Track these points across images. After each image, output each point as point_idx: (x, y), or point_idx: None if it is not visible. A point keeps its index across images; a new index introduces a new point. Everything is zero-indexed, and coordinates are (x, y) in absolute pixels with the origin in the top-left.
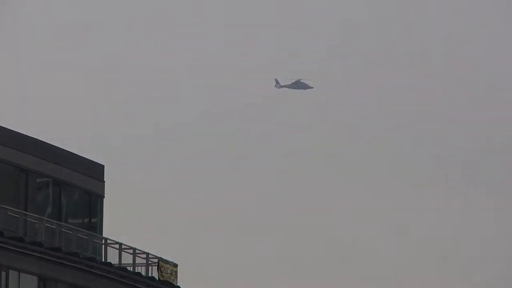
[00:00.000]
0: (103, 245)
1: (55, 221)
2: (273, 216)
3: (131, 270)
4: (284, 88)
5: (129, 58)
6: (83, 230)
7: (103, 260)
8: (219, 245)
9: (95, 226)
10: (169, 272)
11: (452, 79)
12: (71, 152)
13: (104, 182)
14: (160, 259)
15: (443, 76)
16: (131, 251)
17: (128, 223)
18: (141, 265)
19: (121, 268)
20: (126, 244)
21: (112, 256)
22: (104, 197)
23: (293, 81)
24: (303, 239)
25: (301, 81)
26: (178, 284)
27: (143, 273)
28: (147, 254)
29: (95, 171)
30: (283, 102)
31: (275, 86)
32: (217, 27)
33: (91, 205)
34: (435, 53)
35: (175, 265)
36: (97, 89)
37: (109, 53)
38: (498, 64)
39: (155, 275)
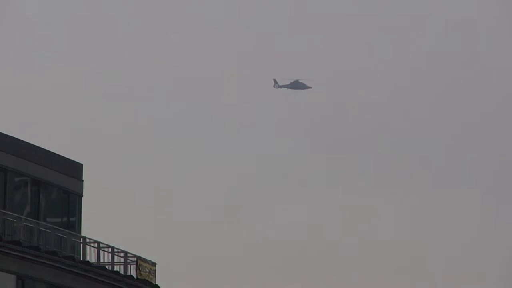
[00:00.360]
0: (81, 244)
1: (33, 220)
2: (252, 215)
3: (110, 268)
4: (282, 88)
5: (110, 56)
6: (61, 229)
7: (81, 259)
8: (198, 244)
9: (74, 225)
10: (147, 270)
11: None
12: (50, 151)
13: (82, 181)
14: (138, 257)
15: (442, 75)
16: (110, 250)
17: (106, 222)
18: (119, 263)
19: (100, 267)
20: (105, 243)
21: (90, 255)
22: (82, 196)
23: (291, 81)
24: (278, 239)
25: (300, 81)
26: (156, 283)
27: (122, 272)
28: (126, 253)
29: (74, 170)
30: (282, 102)
31: (274, 86)
32: (214, 26)
33: (69, 204)
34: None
35: (154, 264)
36: (76, 88)
37: (88, 50)
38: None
39: (134, 273)
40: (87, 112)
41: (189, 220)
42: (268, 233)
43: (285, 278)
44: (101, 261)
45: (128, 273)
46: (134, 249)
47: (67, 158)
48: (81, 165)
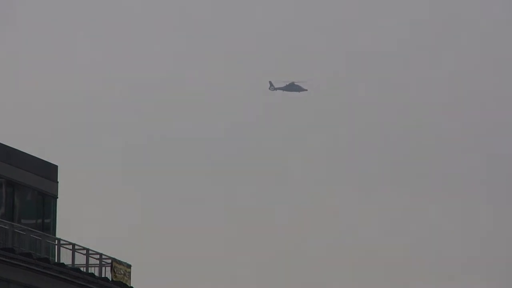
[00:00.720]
0: (56, 246)
1: (8, 222)
2: (227, 217)
3: (85, 271)
4: (278, 90)
5: (87, 57)
6: (36, 230)
7: (56, 260)
8: (172, 246)
9: (48, 226)
10: (122, 272)
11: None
12: (25, 153)
13: (57, 182)
14: (113, 259)
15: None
16: (85, 252)
17: (81, 224)
18: (94, 265)
19: (74, 269)
20: (80, 245)
21: (65, 257)
22: (57, 197)
23: (287, 84)
24: (254, 240)
25: (295, 83)
26: (131, 285)
27: (97, 274)
28: (101, 254)
29: (49, 171)
30: (277, 104)
31: (269, 88)
32: (212, 28)
33: (44, 205)
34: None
35: (129, 266)
36: (51, 90)
37: (62, 51)
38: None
39: (109, 275)
40: (62, 113)
41: (164, 222)
42: (242, 234)
43: (263, 281)
44: (76, 263)
45: (103, 275)
46: (109, 251)
47: (42, 160)
48: (56, 166)
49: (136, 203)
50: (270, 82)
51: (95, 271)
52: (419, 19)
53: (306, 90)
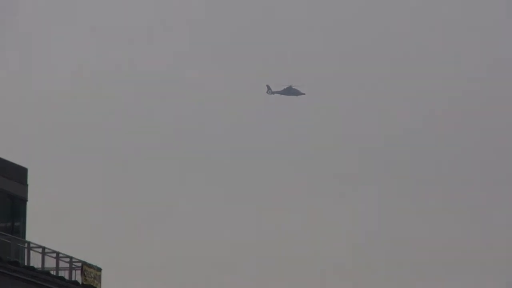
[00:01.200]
0: (26, 249)
1: None
2: (194, 221)
3: (55, 274)
4: (275, 94)
5: (61, 58)
6: (6, 234)
7: (26, 264)
8: (143, 249)
9: (18, 229)
10: (92, 276)
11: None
12: None
13: (27, 185)
14: (83, 263)
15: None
16: (55, 255)
17: (51, 227)
18: (64, 269)
19: (44, 272)
20: (49, 248)
21: (35, 260)
22: (27, 200)
23: (285, 87)
24: (209, 241)
25: (293, 87)
26: None
27: (67, 277)
28: (71, 258)
29: (18, 174)
30: (275, 108)
31: (267, 92)
32: (206, 30)
33: (14, 208)
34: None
35: (99, 269)
36: (21, 91)
37: (31, 51)
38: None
39: (79, 279)
40: (31, 115)
41: (134, 225)
42: (213, 236)
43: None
44: (45, 266)
45: (73, 279)
46: (79, 254)
47: (11, 162)
48: (26, 169)
49: (107, 206)
50: (268, 86)
51: (65, 274)
52: (419, 21)
53: (304, 94)
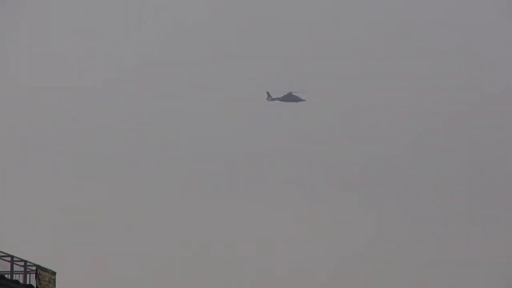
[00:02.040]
0: None
1: None
2: (152, 225)
3: (9, 277)
4: (275, 100)
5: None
6: None
7: None
8: (98, 253)
9: None
10: (47, 280)
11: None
12: None
13: None
14: (38, 266)
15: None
16: (9, 258)
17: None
18: (19, 272)
19: None
20: (4, 251)
21: None
22: None
23: (285, 94)
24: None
25: (293, 93)
26: None
27: (21, 281)
28: (25, 262)
29: None
30: (275, 115)
31: (267, 99)
32: (208, 37)
33: None
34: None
35: (53, 273)
36: None
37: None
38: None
39: (33, 283)
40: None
41: (89, 229)
42: (171, 244)
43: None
44: (0, 270)
45: (28, 282)
46: (34, 258)
47: None
48: None
49: (61, 210)
50: (268, 93)
51: (19, 278)
52: (419, 26)
53: (304, 100)
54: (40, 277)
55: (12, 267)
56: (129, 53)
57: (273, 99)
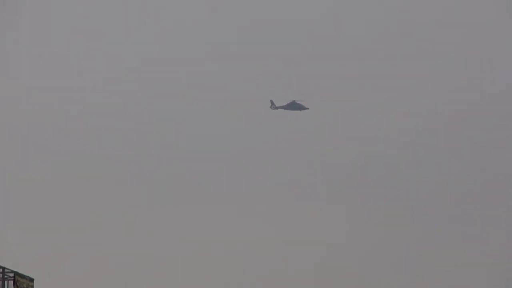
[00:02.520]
0: None
1: None
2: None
3: None
4: (279, 109)
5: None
6: None
7: None
8: (75, 260)
9: None
10: (25, 286)
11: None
12: None
13: None
14: (16, 273)
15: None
16: None
17: None
18: None
19: None
20: None
21: None
22: None
23: (288, 102)
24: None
25: (296, 102)
26: None
27: None
28: (3, 268)
29: None
30: (279, 123)
31: (270, 107)
32: (211, 44)
33: None
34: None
35: (31, 280)
36: None
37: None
38: None
39: None
40: None
41: (66, 237)
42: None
43: None
44: None
45: None
46: (12, 265)
47: None
48: None
49: (38, 216)
50: (272, 101)
51: None
52: (419, 26)
53: (308, 108)
54: (18, 284)
55: None
56: (129, 53)
57: (277, 108)
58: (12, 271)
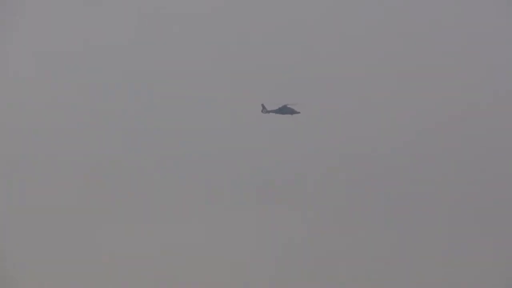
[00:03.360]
0: None
1: None
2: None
3: None
4: (270, 113)
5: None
6: None
7: None
8: (97, 253)
9: None
10: None
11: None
12: None
13: None
14: None
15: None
16: None
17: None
18: None
19: None
20: None
21: None
22: None
23: (280, 106)
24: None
25: (288, 106)
26: None
27: None
28: None
29: None
30: (270, 127)
31: (262, 111)
32: (209, 36)
33: None
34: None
35: None
36: None
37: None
38: None
39: None
40: None
41: (66, 237)
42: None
43: None
44: None
45: None
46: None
47: None
48: None
49: (62, 210)
50: (263, 105)
51: None
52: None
53: (299, 112)
54: None
55: None
56: (129, 53)
57: (268, 112)
58: None
